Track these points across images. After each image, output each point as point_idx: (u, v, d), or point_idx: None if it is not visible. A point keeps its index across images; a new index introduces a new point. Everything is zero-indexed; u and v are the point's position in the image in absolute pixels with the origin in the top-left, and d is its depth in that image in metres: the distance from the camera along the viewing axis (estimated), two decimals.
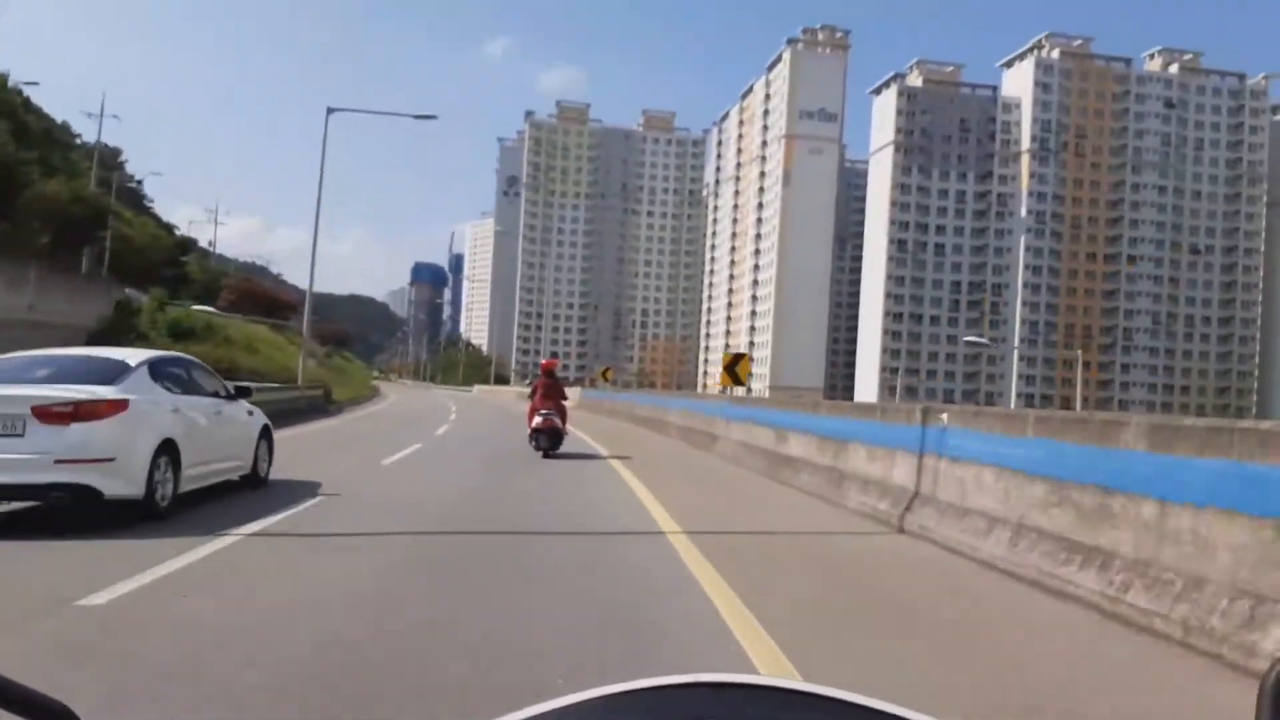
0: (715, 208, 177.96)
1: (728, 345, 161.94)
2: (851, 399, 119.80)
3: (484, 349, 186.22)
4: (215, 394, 9.56)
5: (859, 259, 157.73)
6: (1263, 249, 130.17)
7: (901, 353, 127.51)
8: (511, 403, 49.90)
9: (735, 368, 20.30)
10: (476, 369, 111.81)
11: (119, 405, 7.39)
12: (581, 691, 0.72)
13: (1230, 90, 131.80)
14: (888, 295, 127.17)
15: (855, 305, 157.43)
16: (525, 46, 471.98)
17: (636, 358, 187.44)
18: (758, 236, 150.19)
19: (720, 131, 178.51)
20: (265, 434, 10.43)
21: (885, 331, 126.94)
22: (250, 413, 10.30)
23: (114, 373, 7.91)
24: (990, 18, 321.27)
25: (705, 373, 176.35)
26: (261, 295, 70.52)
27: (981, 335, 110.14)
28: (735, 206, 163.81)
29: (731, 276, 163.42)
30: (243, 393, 10.30)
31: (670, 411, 24.94)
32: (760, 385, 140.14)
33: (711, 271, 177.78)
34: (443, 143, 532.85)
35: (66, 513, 7.45)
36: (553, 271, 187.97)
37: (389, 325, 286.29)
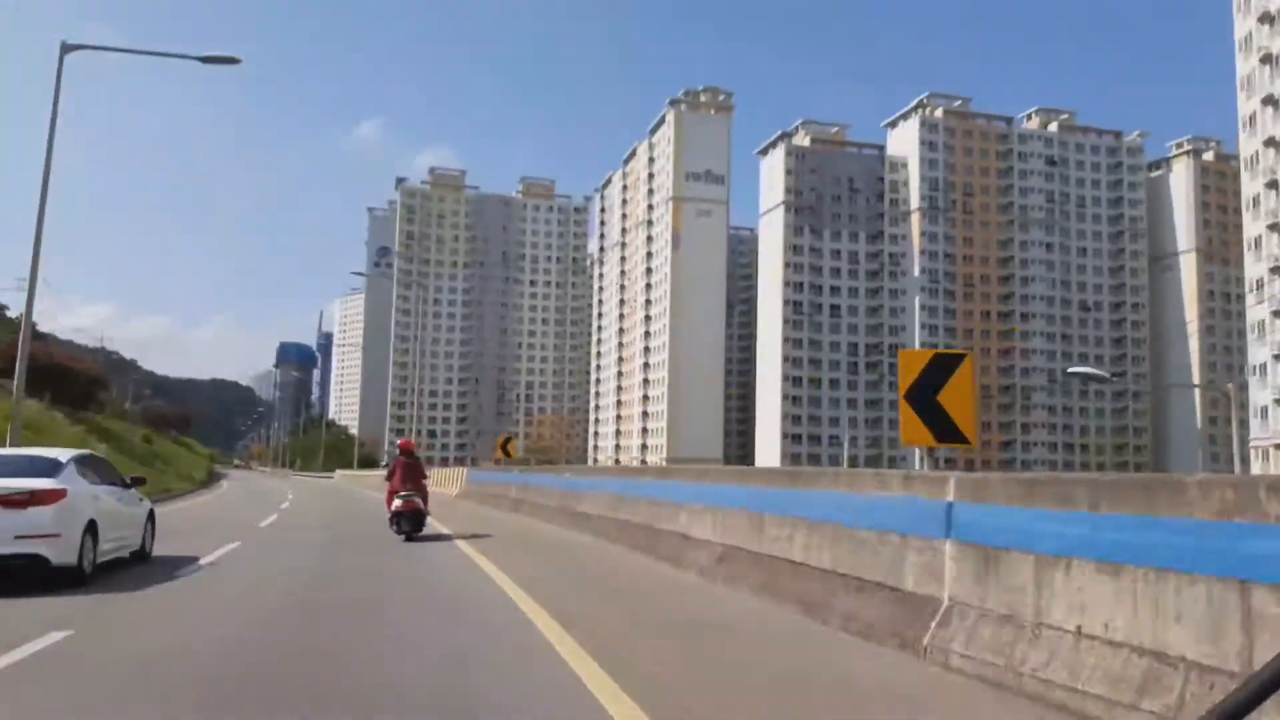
0: (601, 275, 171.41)
1: (619, 416, 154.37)
2: (752, 464, 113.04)
3: (354, 431, 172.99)
4: (116, 484, 11.53)
5: (748, 324, 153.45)
6: (1148, 304, 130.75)
7: (803, 418, 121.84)
8: (375, 493, 40.59)
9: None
10: (341, 452, 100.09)
11: (60, 494, 9.49)
12: None
13: (1108, 148, 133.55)
14: (785, 359, 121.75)
15: (748, 371, 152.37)
16: (396, 126, 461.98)
17: (522, 433, 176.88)
18: (648, 303, 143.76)
19: (603, 198, 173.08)
20: (150, 517, 12.49)
21: (785, 396, 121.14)
22: (140, 500, 12.38)
23: (51, 468, 9.96)
24: (868, 78, 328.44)
25: (595, 446, 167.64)
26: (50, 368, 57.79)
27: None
28: (622, 273, 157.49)
29: (621, 344, 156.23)
30: (137, 482, 12.54)
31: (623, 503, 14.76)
32: (656, 457, 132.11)
33: (599, 340, 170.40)
34: (314, 225, 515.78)
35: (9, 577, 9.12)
36: (429, 345, 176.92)
37: (254, 410, 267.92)
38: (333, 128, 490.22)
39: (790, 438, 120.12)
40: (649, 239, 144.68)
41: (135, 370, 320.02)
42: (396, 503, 14.81)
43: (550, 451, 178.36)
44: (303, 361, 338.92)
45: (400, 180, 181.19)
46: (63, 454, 10.63)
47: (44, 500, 9.22)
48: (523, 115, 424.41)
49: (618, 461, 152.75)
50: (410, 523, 14.66)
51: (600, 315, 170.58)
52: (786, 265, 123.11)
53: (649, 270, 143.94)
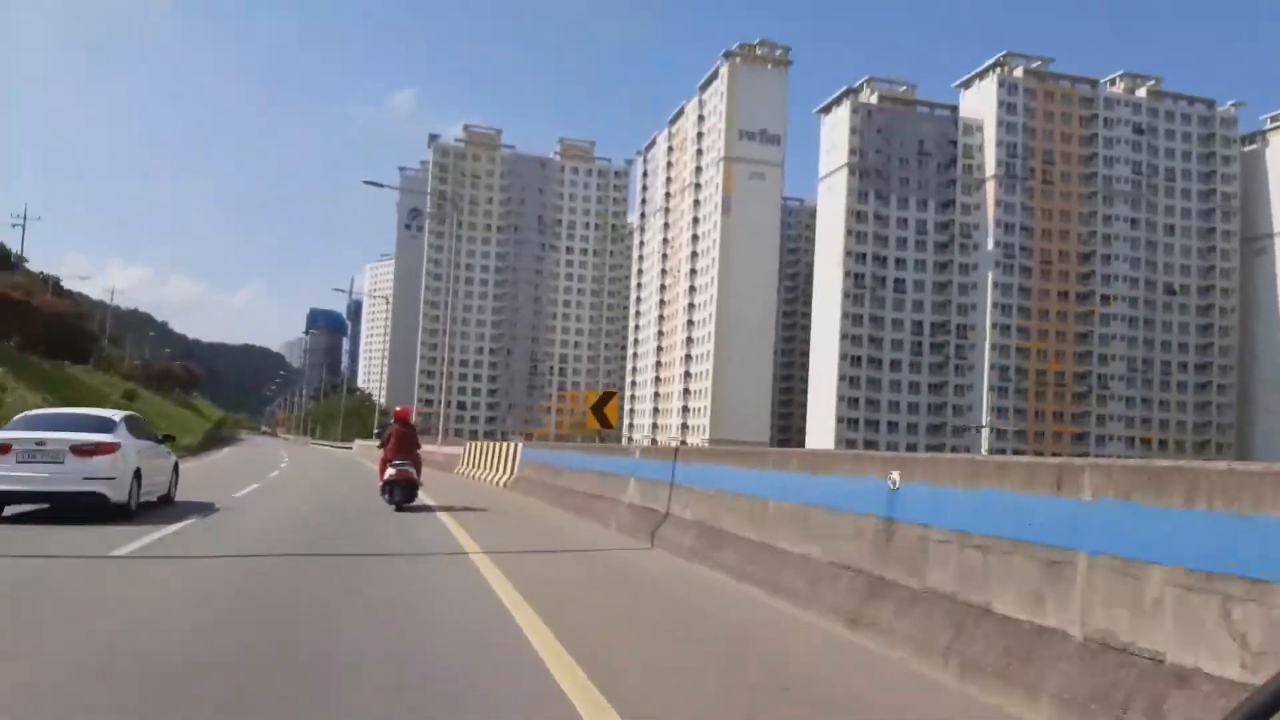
0: (642, 243, 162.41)
1: (657, 394, 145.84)
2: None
3: (380, 399, 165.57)
4: (153, 439, 13.77)
5: (793, 301, 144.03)
6: (1238, 289, 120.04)
7: (860, 401, 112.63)
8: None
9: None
10: (363, 419, 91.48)
11: (115, 447, 11.70)
12: None
13: (1200, 117, 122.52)
14: (844, 336, 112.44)
15: (791, 351, 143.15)
16: (431, 96, 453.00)
17: (554, 408, 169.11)
18: (692, 272, 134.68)
19: (646, 161, 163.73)
20: (175, 468, 14.79)
21: (841, 377, 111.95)
22: (169, 454, 14.65)
23: (107, 425, 12.26)
24: (934, 38, 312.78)
25: (631, 425, 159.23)
26: (62, 330, 50.65)
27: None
28: (665, 240, 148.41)
29: (661, 317, 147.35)
30: (168, 439, 14.98)
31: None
32: (698, 438, 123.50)
33: (638, 313, 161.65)
34: (349, 193, 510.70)
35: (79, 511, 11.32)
36: (460, 312, 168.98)
37: (285, 377, 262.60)
38: (365, 98, 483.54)
39: (845, 421, 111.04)
40: (696, 203, 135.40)
41: (164, 331, 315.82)
42: (390, 471, 14.64)
43: (581, 430, 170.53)
44: (332, 328, 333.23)
45: (434, 137, 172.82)
46: (115, 414, 13.36)
47: (105, 451, 11.51)
48: (562, 78, 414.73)
49: (654, 442, 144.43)
50: (403, 492, 14.47)
51: (639, 286, 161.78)
52: (849, 234, 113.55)
53: (695, 237, 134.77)
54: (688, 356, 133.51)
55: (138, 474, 11.98)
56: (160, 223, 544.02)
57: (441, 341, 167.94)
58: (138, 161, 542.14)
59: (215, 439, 60.40)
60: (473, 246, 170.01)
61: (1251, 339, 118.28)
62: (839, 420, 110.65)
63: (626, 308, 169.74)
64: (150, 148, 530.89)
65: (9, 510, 11.42)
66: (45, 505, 11.62)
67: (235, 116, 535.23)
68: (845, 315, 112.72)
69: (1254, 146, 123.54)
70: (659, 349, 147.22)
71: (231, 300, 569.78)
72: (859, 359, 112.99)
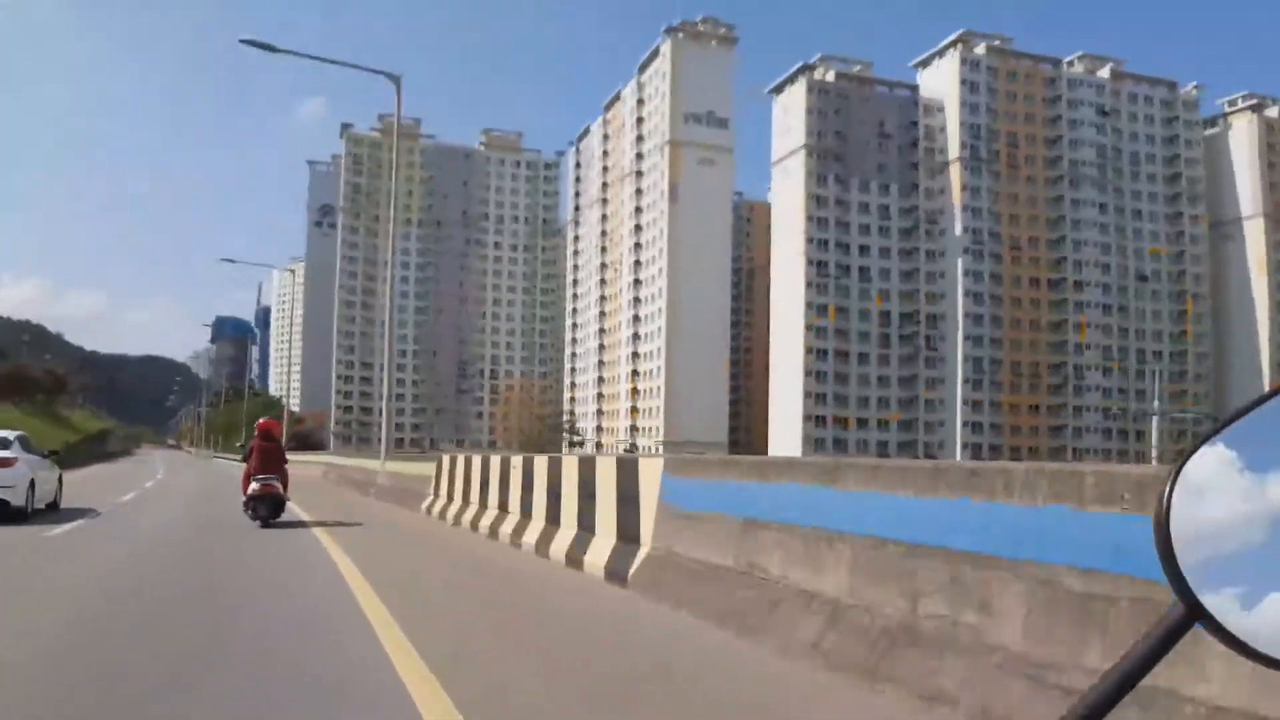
0: (577, 237, 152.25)
1: (600, 395, 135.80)
2: (764, 453, 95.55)
3: (295, 406, 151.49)
4: (41, 454, 16.09)
5: (740, 294, 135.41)
6: (1208, 275, 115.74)
7: (828, 397, 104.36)
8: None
9: None
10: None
11: (13, 461, 13.96)
12: None
13: (1162, 100, 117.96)
14: (808, 328, 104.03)
15: (745, 345, 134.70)
16: (343, 100, 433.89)
17: (487, 412, 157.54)
18: (636, 264, 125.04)
19: (579, 151, 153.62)
20: (59, 480, 17.08)
21: (807, 373, 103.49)
22: (53, 467, 16.73)
23: (4, 443, 14.41)
24: (888, 15, 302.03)
25: (570, 427, 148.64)
26: None
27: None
28: (603, 234, 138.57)
29: (603, 314, 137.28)
30: (54, 454, 17.69)
31: None
32: (650, 440, 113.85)
33: (575, 310, 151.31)
34: (259, 207, 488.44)
35: None
36: (379, 313, 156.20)
37: (182, 384, 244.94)
38: (274, 107, 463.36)
39: (814, 419, 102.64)
40: (637, 192, 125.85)
41: (59, 343, 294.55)
42: (253, 485, 13.79)
43: (519, 433, 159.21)
44: (239, 337, 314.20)
45: (345, 127, 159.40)
46: (10, 433, 15.38)
47: (4, 465, 13.78)
48: (486, 65, 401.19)
49: (599, 446, 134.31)
50: (268, 507, 13.75)
51: (576, 282, 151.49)
52: (809, 219, 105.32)
53: (638, 227, 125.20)
54: (634, 355, 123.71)
55: (32, 484, 14.55)
56: (59, 235, 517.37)
57: (359, 345, 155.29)
58: (34, 171, 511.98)
59: (90, 455, 48.20)
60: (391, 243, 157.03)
61: (1226, 324, 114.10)
62: (806, 418, 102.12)
63: (562, 305, 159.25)
64: (52, 155, 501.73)
65: None
66: None
67: (140, 127, 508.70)
68: (809, 305, 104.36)
69: (1215, 130, 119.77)
70: (601, 347, 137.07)
71: (137, 314, 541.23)
72: (824, 352, 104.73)
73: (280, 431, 15.92)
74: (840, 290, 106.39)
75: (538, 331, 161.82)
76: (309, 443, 77.53)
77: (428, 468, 17.92)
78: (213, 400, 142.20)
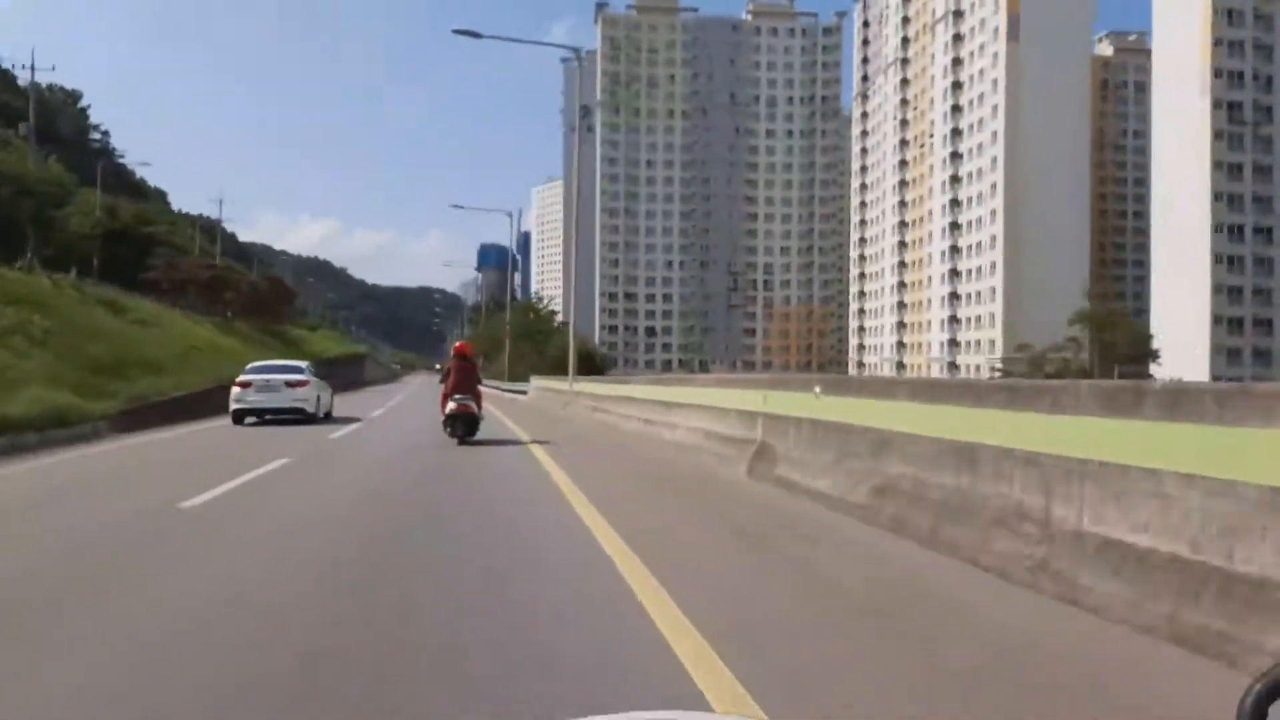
0: (865, 114, 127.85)
1: (901, 304, 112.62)
2: (1145, 366, 70.05)
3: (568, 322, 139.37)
4: (324, 376, 23.55)
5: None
6: None
7: (1244, 293, 76.20)
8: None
9: None
10: (537, 345, 61.24)
11: (306, 382, 20.48)
12: None
13: None
14: (1216, 197, 75.71)
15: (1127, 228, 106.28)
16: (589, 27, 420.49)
17: (760, 330, 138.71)
18: (953, 135, 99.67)
19: (866, 6, 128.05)
20: (331, 396, 23.58)
21: (1216, 259, 75.63)
22: (327, 386, 23.31)
23: (301, 369, 21.34)
24: None
25: (861, 345, 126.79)
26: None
27: None
28: (904, 102, 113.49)
29: (902, 204, 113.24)
30: (328, 375, 25.48)
31: None
32: (977, 357, 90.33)
33: (863, 204, 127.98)
34: (517, 122, 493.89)
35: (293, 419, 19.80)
36: (643, 220, 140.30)
37: (443, 303, 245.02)
38: (527, 31, 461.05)
39: (1226, 322, 75.13)
40: (955, 39, 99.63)
41: (343, 277, 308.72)
42: (450, 405, 14.27)
43: (794, 353, 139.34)
44: (501, 265, 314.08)
45: (600, 6, 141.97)
46: (303, 363, 23.15)
47: (302, 385, 20.42)
48: None
49: (901, 367, 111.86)
50: (464, 426, 14.20)
51: (864, 170, 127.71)
52: (1217, 44, 75.99)
53: (955, 86, 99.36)
54: (953, 249, 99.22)
55: (319, 399, 21.19)
56: (346, 179, 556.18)
57: (623, 259, 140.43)
58: (317, 123, 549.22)
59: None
60: (653, 139, 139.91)
61: None
62: (1216, 320, 74.76)
63: (846, 199, 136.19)
64: (331, 107, 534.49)
65: (248, 420, 19.94)
66: (269, 415, 20.02)
67: (403, 65, 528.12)
68: (1216, 165, 75.78)
69: None
70: (901, 245, 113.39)
71: (415, 248, 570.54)
72: (1238, 229, 76.17)
73: (473, 352, 16.81)
74: (1261, 143, 76.76)
75: (817, 233, 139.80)
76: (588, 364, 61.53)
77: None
78: (472, 317, 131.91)
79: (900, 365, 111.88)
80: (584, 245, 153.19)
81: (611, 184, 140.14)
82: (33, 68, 45.51)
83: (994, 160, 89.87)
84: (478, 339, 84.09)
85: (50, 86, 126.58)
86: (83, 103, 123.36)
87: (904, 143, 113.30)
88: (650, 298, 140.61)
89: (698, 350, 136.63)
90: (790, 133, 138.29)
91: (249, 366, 21.30)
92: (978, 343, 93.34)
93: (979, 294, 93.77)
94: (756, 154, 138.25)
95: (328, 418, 21.40)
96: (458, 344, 16.99)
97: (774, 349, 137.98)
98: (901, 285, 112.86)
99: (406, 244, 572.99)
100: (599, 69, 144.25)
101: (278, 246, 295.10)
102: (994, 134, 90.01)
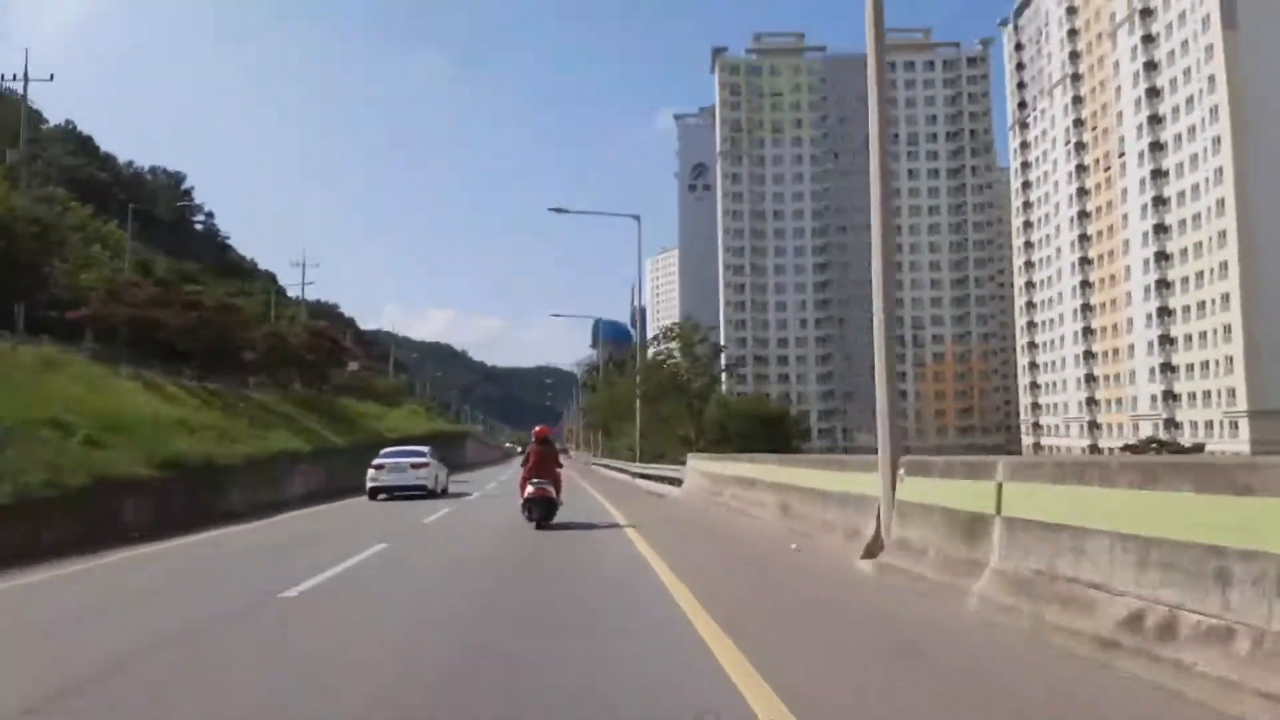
0: (1024, 144, 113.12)
1: (1087, 354, 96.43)
2: None
3: None
4: (441, 458, 27.66)
5: None
6: None
7: None
8: None
9: None
10: (692, 406, 46.38)
11: (428, 463, 24.51)
12: None
13: None
14: None
15: None
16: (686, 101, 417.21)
17: (912, 391, 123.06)
18: (1153, 149, 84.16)
19: (1017, 29, 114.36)
20: (447, 473, 27.57)
21: None
22: (442, 464, 27.22)
23: (423, 453, 25.36)
24: None
25: (1034, 405, 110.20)
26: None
27: None
28: (1076, 123, 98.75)
29: (1084, 238, 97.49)
30: (441, 455, 28.65)
31: None
32: (1210, 413, 73.61)
33: (1027, 245, 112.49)
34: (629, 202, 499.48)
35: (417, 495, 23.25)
36: (772, 276, 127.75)
37: (554, 381, 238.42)
38: (633, 118, 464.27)
39: None
40: (1146, 40, 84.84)
41: (463, 359, 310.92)
42: (529, 489, 14.37)
43: (952, 404, 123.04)
44: (618, 339, 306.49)
45: (718, 52, 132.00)
46: (423, 448, 26.69)
47: (423, 466, 24.01)
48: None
49: (1094, 427, 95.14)
50: (541, 510, 14.21)
51: (1026, 206, 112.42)
52: None
53: (1151, 93, 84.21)
54: (1161, 283, 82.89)
55: (437, 477, 25.12)
56: (462, 270, 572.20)
57: (751, 318, 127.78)
58: (438, 220, 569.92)
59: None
60: (780, 188, 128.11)
61: None
62: None
63: (1004, 240, 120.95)
64: (465, 198, 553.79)
65: (380, 496, 23.34)
66: (399, 494, 23.23)
67: (508, 160, 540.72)
68: None
69: None
70: (1084, 285, 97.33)
71: (529, 333, 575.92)
72: None
73: (551, 435, 15.84)
74: None
75: (972, 280, 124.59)
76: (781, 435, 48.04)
77: None
78: (586, 384, 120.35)
79: (1093, 425, 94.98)
80: (705, 310, 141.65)
81: (735, 239, 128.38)
82: (27, 77, 36.06)
83: (1218, 172, 73.95)
84: (595, 406, 71.77)
85: (153, 169, 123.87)
86: (186, 184, 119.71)
87: (1081, 169, 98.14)
88: (783, 359, 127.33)
89: (840, 417, 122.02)
90: (935, 172, 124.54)
91: (382, 452, 25.54)
92: (1206, 393, 76.34)
93: (1203, 335, 77.09)
94: (898, 197, 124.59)
95: (444, 493, 25.41)
96: (537, 428, 16.47)
97: (925, 414, 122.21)
98: (1088, 332, 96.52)
99: (517, 330, 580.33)
100: (717, 118, 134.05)
101: (406, 334, 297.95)
102: (1216, 140, 74.28)
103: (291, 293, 73.41)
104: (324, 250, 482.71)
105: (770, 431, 42.75)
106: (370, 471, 23.44)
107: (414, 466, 23.67)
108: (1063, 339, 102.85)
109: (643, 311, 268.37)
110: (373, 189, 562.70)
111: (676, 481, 23.25)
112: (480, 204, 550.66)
